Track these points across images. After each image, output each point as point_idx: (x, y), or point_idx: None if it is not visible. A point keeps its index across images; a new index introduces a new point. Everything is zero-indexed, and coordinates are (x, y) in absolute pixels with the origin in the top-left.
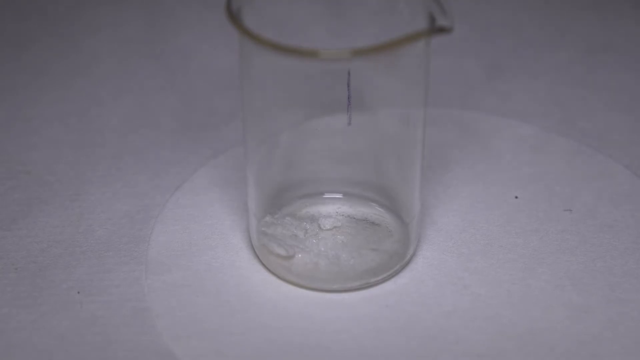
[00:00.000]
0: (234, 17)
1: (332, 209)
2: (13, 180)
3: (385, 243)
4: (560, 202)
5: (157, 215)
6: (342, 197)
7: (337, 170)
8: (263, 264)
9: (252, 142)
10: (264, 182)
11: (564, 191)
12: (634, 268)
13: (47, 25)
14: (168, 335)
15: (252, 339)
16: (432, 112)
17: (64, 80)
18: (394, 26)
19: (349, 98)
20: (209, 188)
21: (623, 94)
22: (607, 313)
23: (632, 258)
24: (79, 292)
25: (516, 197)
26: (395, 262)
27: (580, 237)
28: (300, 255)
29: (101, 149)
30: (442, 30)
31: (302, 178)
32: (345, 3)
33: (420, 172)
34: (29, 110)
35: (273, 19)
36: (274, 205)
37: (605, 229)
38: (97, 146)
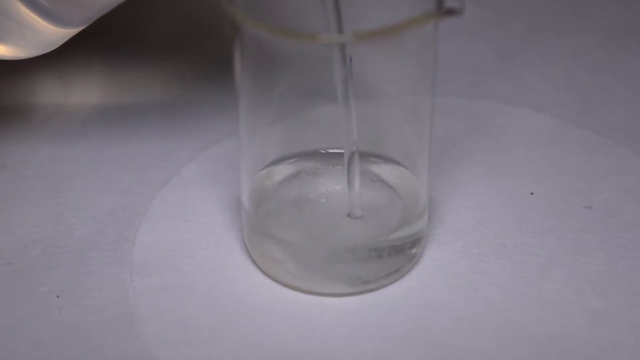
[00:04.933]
0: (228, 1)
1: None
2: None
3: None
4: (579, 199)
5: (143, 213)
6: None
7: (338, 164)
8: (258, 266)
9: (246, 133)
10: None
11: (583, 187)
12: None
13: None
14: (155, 342)
15: (246, 346)
16: (439, 101)
17: (41, 64)
18: (399, 8)
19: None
20: (200, 183)
21: None
22: (629, 318)
23: None
24: (58, 296)
25: (531, 194)
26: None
27: (601, 236)
28: (297, 257)
29: (83, 141)
30: (451, 12)
31: (299, 172)
32: None
33: (428, 166)
34: (3, 98)
35: (270, 2)
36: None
37: (627, 228)
38: (78, 138)
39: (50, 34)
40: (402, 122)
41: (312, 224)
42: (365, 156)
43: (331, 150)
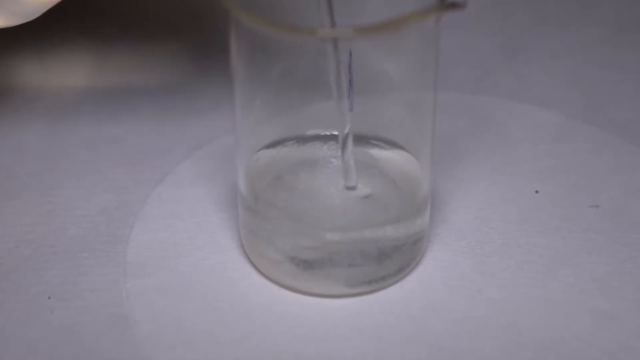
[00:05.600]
0: None
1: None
2: None
3: None
4: (585, 198)
5: (137, 212)
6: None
7: (337, 159)
8: (255, 266)
9: (243, 130)
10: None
11: (589, 185)
12: None
13: None
14: (150, 344)
15: (243, 349)
16: (442, 97)
17: (31, 58)
18: (401, 2)
19: (350, 81)
20: (195, 181)
21: None
22: (637, 320)
23: None
24: (49, 298)
25: (536, 192)
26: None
27: (608, 236)
28: (295, 257)
29: (75, 138)
30: (454, 6)
31: (297, 157)
32: None
33: (430, 164)
34: None
35: None
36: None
37: (635, 227)
38: (70, 135)
39: (31, 3)
40: (404, 117)
41: (310, 216)
42: (365, 139)
43: (330, 133)
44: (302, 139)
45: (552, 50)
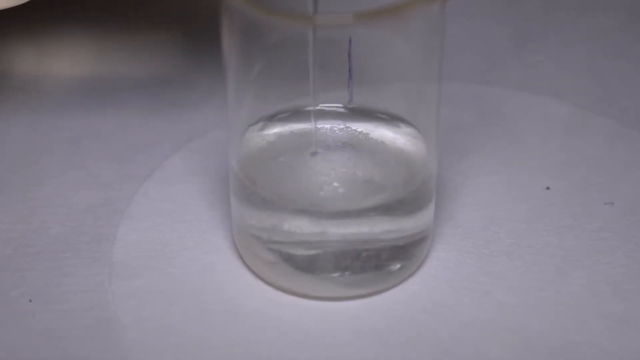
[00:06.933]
0: None
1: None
2: None
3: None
4: (600, 194)
5: (123, 210)
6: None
7: (336, 157)
8: (249, 267)
9: (236, 123)
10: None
11: (603, 181)
12: None
13: None
14: (137, 350)
15: (236, 355)
16: (447, 87)
17: (11, 48)
18: None
19: (350, 71)
20: (185, 177)
21: None
22: None
23: None
24: (31, 300)
25: (547, 188)
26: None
27: (623, 235)
28: (290, 258)
29: (57, 131)
30: None
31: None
32: None
33: (436, 159)
34: None
35: None
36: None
37: None
38: (52, 128)
39: None
40: (406, 111)
41: (302, 198)
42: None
43: (323, 107)
44: (295, 117)
45: (565, 38)
